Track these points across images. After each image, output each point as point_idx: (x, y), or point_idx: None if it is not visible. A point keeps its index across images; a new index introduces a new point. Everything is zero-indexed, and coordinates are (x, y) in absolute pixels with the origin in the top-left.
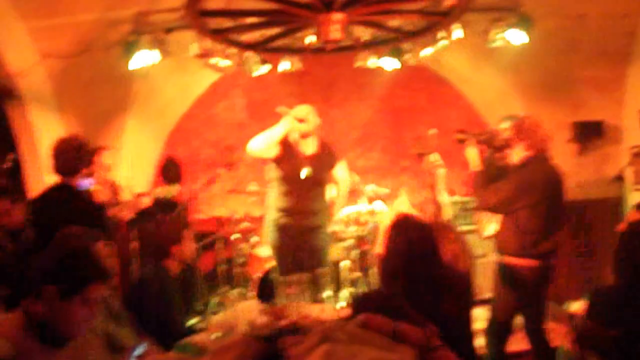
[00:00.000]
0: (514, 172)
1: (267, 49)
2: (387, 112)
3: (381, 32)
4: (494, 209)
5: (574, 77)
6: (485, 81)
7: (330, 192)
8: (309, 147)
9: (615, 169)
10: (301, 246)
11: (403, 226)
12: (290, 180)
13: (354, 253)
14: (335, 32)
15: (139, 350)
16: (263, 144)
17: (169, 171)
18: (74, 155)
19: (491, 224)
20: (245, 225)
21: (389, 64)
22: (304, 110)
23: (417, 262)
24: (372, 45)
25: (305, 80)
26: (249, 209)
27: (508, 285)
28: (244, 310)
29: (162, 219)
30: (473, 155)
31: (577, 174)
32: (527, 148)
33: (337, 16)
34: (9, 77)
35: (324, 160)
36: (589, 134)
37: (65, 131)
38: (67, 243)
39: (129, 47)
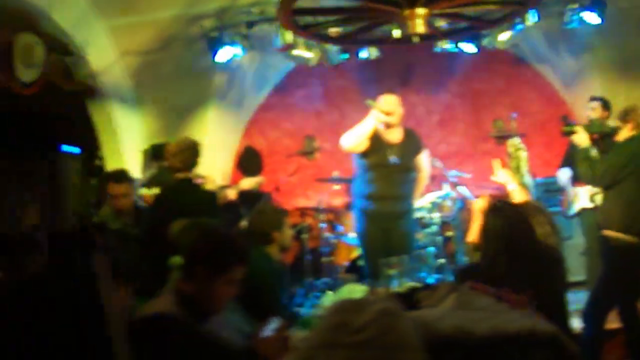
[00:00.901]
0: (621, 145)
1: (351, 42)
2: (465, 95)
3: (460, 21)
4: (601, 178)
5: None
6: (563, 61)
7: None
8: (395, 135)
9: None
10: (390, 232)
11: (498, 209)
12: (377, 167)
13: (439, 239)
14: (419, 27)
15: (273, 324)
16: (355, 141)
17: (249, 162)
18: (191, 153)
19: (577, 203)
20: (329, 214)
21: (467, 48)
22: (390, 101)
23: (515, 243)
24: (452, 34)
25: (383, 66)
26: (329, 199)
27: (606, 262)
28: (352, 291)
29: (264, 206)
30: (582, 137)
31: None
32: (632, 129)
33: (421, 11)
34: (91, 76)
35: (409, 147)
36: None
37: (145, 126)
38: (212, 230)
39: (213, 42)
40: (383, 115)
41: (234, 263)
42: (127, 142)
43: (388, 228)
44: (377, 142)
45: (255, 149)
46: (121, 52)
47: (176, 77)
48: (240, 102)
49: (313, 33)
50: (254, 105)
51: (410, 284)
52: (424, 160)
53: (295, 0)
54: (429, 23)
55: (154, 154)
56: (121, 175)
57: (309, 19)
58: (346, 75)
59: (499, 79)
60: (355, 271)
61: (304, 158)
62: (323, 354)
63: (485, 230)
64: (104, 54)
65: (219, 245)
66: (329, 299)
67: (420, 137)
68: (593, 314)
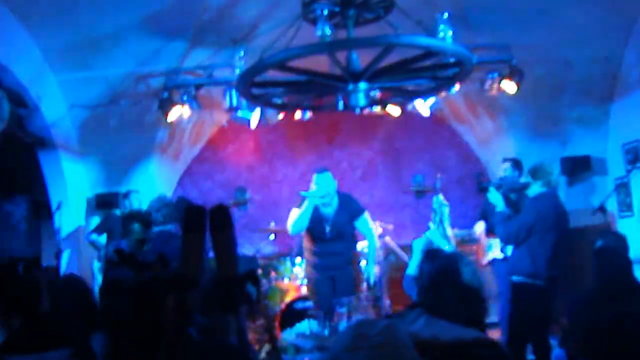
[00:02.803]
0: (530, 205)
1: (297, 108)
2: (387, 152)
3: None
4: (515, 237)
5: (562, 116)
6: (479, 122)
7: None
8: (330, 208)
9: (601, 198)
10: (335, 278)
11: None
12: (316, 239)
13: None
14: (361, 100)
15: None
16: (299, 225)
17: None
18: (173, 209)
19: (490, 253)
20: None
21: (393, 111)
22: (324, 184)
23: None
24: (385, 102)
25: (311, 123)
26: (260, 247)
27: (515, 304)
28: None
29: None
30: (497, 198)
31: (567, 204)
32: (542, 185)
33: (364, 86)
34: (43, 127)
35: (343, 217)
36: (577, 167)
37: (90, 176)
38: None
39: (163, 102)
40: (318, 198)
41: None
42: (73, 190)
43: (334, 276)
44: (314, 216)
45: (187, 199)
46: (71, 105)
47: (121, 130)
48: (177, 155)
49: (266, 101)
50: (189, 158)
51: (360, 319)
52: (366, 224)
53: (254, 75)
54: (368, 94)
55: (99, 202)
56: None
57: (261, 89)
58: (276, 131)
59: (418, 137)
60: (292, 313)
61: (236, 209)
62: (348, 355)
63: (421, 271)
64: (56, 106)
65: None
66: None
67: (356, 201)
68: (511, 350)
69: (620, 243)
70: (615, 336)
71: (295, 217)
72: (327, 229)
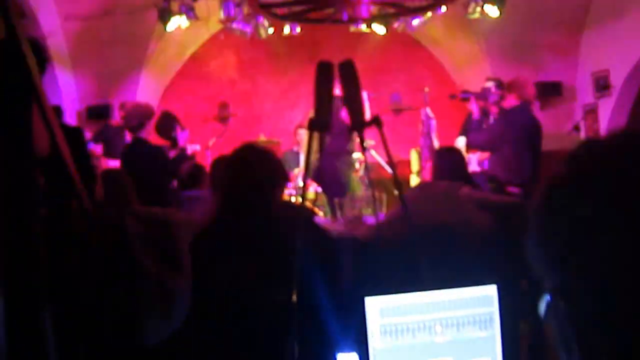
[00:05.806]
0: (504, 116)
1: (298, 20)
2: (367, 71)
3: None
4: (487, 144)
5: (536, 43)
6: (457, 46)
7: None
8: None
9: (572, 124)
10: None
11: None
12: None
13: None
14: (361, 11)
15: None
16: None
17: (166, 126)
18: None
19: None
20: None
21: (379, 30)
22: None
23: None
24: (380, 18)
25: (293, 40)
26: None
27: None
28: None
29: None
30: (474, 108)
31: None
32: (516, 98)
33: None
34: (40, 38)
35: None
36: (549, 93)
37: (81, 88)
38: None
39: (162, 12)
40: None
41: None
42: (66, 102)
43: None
44: None
45: (171, 113)
46: (65, 16)
47: (113, 42)
48: (164, 69)
49: (271, 12)
50: (174, 71)
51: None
52: None
53: None
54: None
55: (91, 114)
56: None
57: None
58: (258, 47)
59: (396, 58)
60: None
61: (219, 123)
62: (417, 204)
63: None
64: (50, 18)
65: None
66: None
67: None
68: None
69: None
70: None
71: None
72: None
